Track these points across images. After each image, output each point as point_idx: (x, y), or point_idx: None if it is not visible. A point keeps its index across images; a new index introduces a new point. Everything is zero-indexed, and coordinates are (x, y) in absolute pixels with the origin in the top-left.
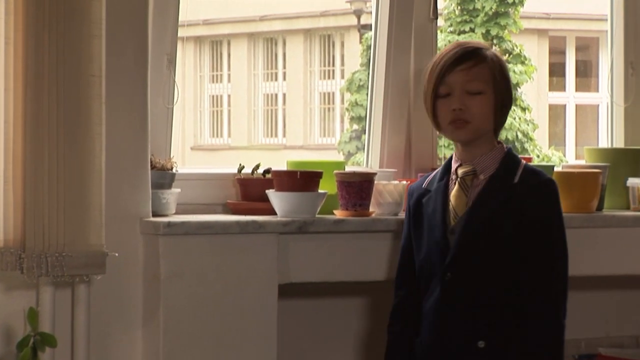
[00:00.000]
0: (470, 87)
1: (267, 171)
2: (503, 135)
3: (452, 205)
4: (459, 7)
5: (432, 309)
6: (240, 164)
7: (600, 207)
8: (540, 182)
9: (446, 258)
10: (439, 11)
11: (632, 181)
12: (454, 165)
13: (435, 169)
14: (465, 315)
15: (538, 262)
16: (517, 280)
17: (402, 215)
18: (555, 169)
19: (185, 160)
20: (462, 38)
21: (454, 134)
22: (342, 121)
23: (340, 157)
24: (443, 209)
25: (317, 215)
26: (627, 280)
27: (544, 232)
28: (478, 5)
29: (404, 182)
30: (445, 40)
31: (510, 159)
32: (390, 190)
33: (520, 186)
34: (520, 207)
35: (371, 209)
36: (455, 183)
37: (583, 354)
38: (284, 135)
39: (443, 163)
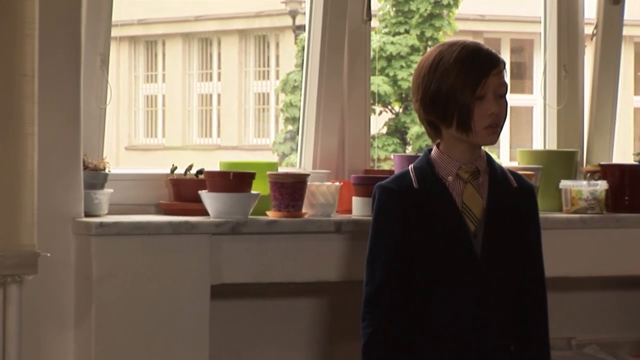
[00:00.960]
0: (500, 90)
1: (200, 172)
2: None
3: (467, 208)
4: (394, 9)
5: (462, 316)
6: (173, 165)
7: None
8: (529, 185)
9: (474, 262)
10: (373, 12)
11: (565, 183)
12: (449, 166)
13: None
14: (499, 320)
15: (534, 263)
16: (522, 282)
17: (335, 216)
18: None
19: (120, 160)
20: (397, 40)
21: (488, 138)
22: (276, 122)
23: (274, 158)
24: (458, 211)
25: (249, 216)
26: (559, 282)
27: (536, 233)
28: (413, 7)
29: (337, 183)
30: (380, 41)
31: (491, 161)
32: (323, 191)
33: (518, 190)
34: (521, 209)
35: (304, 210)
36: (462, 184)
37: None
38: (219, 136)
39: (417, 163)
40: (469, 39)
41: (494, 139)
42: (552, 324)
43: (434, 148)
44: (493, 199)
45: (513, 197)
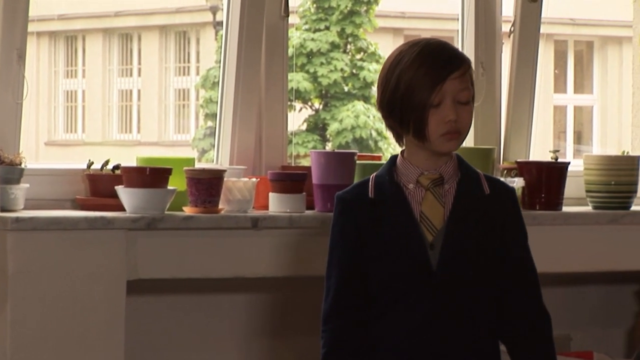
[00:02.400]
0: (461, 96)
1: (116, 167)
2: (357, 133)
3: (426, 217)
4: (314, 5)
5: (419, 333)
6: (89, 160)
7: None
8: (507, 190)
9: (430, 275)
10: (294, 9)
11: None
12: (410, 173)
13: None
14: (462, 336)
15: (518, 267)
16: (498, 289)
17: (252, 212)
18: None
19: (39, 155)
20: (317, 36)
21: (444, 145)
22: (197, 118)
23: (194, 154)
24: (414, 221)
25: (166, 212)
26: None
27: (519, 235)
28: (333, 4)
29: (254, 179)
30: (300, 38)
31: (464, 166)
32: (240, 187)
33: (492, 197)
34: (494, 216)
35: (221, 206)
36: (423, 192)
37: None
38: (139, 132)
39: (379, 171)
40: (435, 37)
41: (451, 146)
42: None
43: (399, 155)
44: (457, 207)
45: (484, 204)
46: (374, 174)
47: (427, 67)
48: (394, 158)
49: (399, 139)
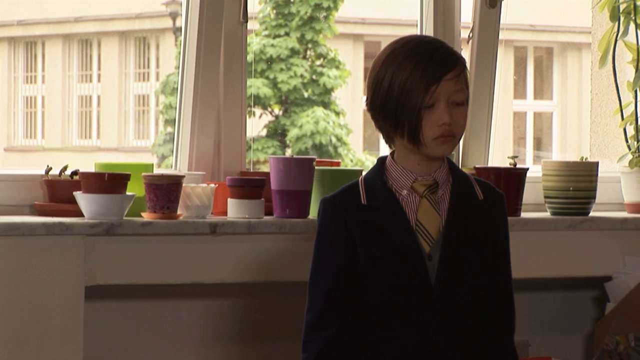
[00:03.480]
0: (456, 97)
1: (74, 173)
2: (317, 139)
3: (422, 226)
4: (274, 11)
5: (414, 348)
6: (47, 166)
7: None
8: (499, 195)
9: (428, 288)
10: (254, 15)
11: None
12: (403, 179)
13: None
14: (458, 351)
15: (502, 277)
16: (486, 297)
17: (210, 217)
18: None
19: None
20: (277, 42)
21: (438, 149)
22: (156, 124)
23: (154, 160)
24: (410, 230)
25: (124, 218)
26: None
27: (504, 244)
28: (293, 10)
29: (213, 185)
30: (260, 44)
31: (455, 170)
32: (199, 193)
33: (485, 203)
34: (488, 223)
35: (179, 212)
36: (417, 199)
37: None
38: (99, 137)
39: (368, 174)
40: (428, 33)
41: (445, 150)
42: None
43: (388, 157)
44: (453, 215)
45: (478, 211)
46: (362, 177)
47: (422, 67)
48: (382, 160)
49: (389, 141)
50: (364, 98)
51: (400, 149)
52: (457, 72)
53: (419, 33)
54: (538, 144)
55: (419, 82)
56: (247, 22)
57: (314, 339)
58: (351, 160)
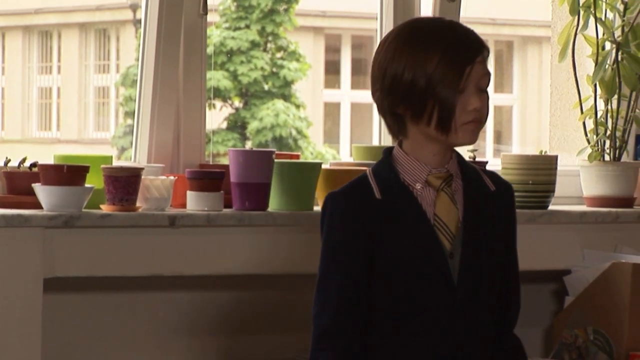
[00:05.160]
0: (483, 83)
1: (33, 165)
2: (277, 131)
3: (441, 221)
4: (234, 4)
5: (437, 354)
6: (6, 157)
7: None
8: (508, 185)
9: (451, 287)
10: (214, 7)
11: None
12: (417, 172)
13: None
14: (479, 343)
15: (514, 268)
16: (499, 291)
17: (169, 210)
18: (323, 166)
19: None
20: (238, 35)
21: (467, 137)
22: (116, 116)
23: (114, 152)
24: (430, 226)
25: (83, 210)
26: None
27: (514, 236)
28: (253, 2)
29: (172, 177)
30: (220, 36)
31: (462, 161)
32: (158, 185)
33: (497, 194)
34: (501, 215)
35: (138, 204)
36: (433, 192)
37: None
38: (58, 129)
39: (377, 168)
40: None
41: (473, 138)
42: None
43: (396, 148)
44: (470, 208)
45: (492, 203)
46: (370, 171)
47: (454, 48)
48: (389, 151)
49: (401, 131)
50: (372, 86)
51: (415, 138)
52: (485, 55)
53: (378, 26)
54: (498, 137)
55: (453, 64)
56: (207, 14)
57: (328, 347)
58: (311, 153)
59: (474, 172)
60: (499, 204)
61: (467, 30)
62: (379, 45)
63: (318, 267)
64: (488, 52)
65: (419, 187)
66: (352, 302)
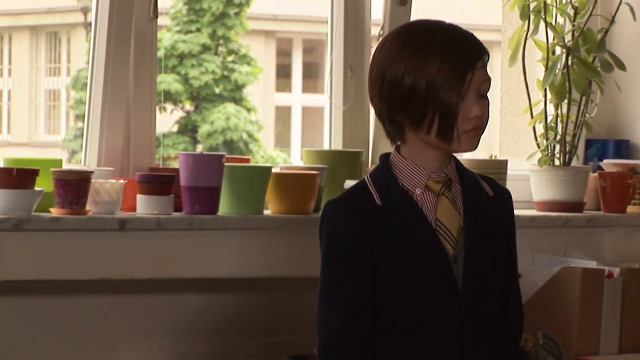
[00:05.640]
0: (483, 88)
1: None
2: (228, 135)
3: (443, 226)
4: (185, 7)
5: (442, 351)
6: None
7: (317, 209)
8: (505, 190)
9: (456, 292)
10: (166, 10)
11: (349, 183)
12: (417, 177)
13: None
14: (485, 349)
15: (514, 272)
16: (502, 297)
17: (119, 214)
18: (273, 170)
19: None
20: (189, 38)
21: (467, 144)
22: (67, 119)
23: (64, 155)
24: (432, 231)
25: (33, 213)
26: None
27: (514, 242)
28: (205, 5)
29: (121, 180)
30: (172, 39)
31: (460, 166)
32: (107, 188)
33: (496, 199)
34: (501, 221)
35: (88, 207)
36: (433, 197)
37: (297, 354)
38: (9, 132)
39: (375, 174)
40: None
41: (474, 145)
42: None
43: (393, 154)
44: (470, 212)
45: (491, 208)
46: (368, 177)
47: (456, 53)
48: (386, 157)
49: (399, 136)
50: (370, 90)
51: (414, 144)
52: (486, 60)
53: (329, 30)
54: None
55: (455, 70)
56: (157, 17)
57: (335, 356)
58: (262, 157)
59: (472, 177)
60: (498, 209)
61: (467, 34)
62: (377, 48)
63: (320, 275)
64: (488, 56)
65: (418, 192)
66: (357, 310)
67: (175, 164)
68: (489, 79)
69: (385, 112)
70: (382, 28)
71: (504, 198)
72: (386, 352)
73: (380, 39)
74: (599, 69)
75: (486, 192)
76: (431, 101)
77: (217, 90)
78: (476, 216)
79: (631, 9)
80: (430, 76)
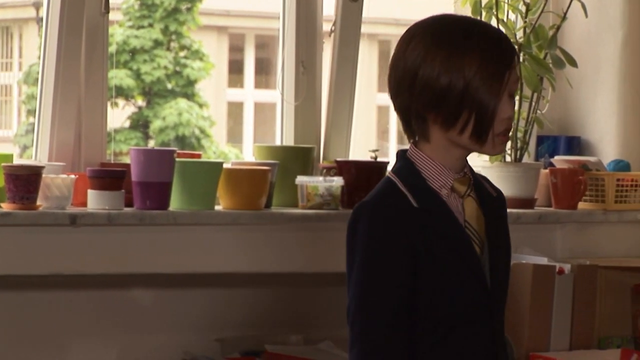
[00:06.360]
0: (514, 88)
1: None
2: (180, 130)
3: (472, 228)
4: (138, 2)
5: (481, 350)
6: None
7: (268, 204)
8: (499, 190)
9: (487, 292)
10: (118, 6)
11: (301, 179)
12: (444, 178)
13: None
14: (502, 346)
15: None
16: None
17: (70, 209)
18: (225, 166)
19: None
20: (141, 33)
21: (498, 147)
22: (19, 114)
23: (16, 150)
24: (464, 234)
25: None
26: (290, 278)
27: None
28: (157, 1)
29: (73, 176)
30: (124, 35)
31: (469, 166)
32: (58, 184)
33: (499, 200)
34: (505, 221)
35: (39, 202)
36: (458, 198)
37: (249, 350)
38: None
39: (401, 173)
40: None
41: (504, 148)
42: (286, 319)
43: (414, 152)
44: (490, 214)
45: (497, 208)
46: (395, 177)
47: (494, 53)
48: (406, 156)
49: (422, 136)
50: (394, 87)
51: (439, 142)
52: (517, 59)
53: (281, 26)
54: (401, 138)
55: (493, 71)
56: (108, 12)
57: None
58: (214, 152)
59: (478, 177)
60: (503, 210)
61: (499, 31)
62: (401, 45)
63: (353, 280)
64: (518, 55)
65: (444, 192)
66: (399, 317)
67: (127, 160)
68: (518, 79)
69: (414, 110)
70: (334, 24)
71: (502, 197)
72: (427, 354)
73: (405, 33)
74: (550, 65)
75: (490, 192)
76: (468, 102)
77: (169, 86)
78: (492, 217)
79: (583, 5)
80: (468, 77)
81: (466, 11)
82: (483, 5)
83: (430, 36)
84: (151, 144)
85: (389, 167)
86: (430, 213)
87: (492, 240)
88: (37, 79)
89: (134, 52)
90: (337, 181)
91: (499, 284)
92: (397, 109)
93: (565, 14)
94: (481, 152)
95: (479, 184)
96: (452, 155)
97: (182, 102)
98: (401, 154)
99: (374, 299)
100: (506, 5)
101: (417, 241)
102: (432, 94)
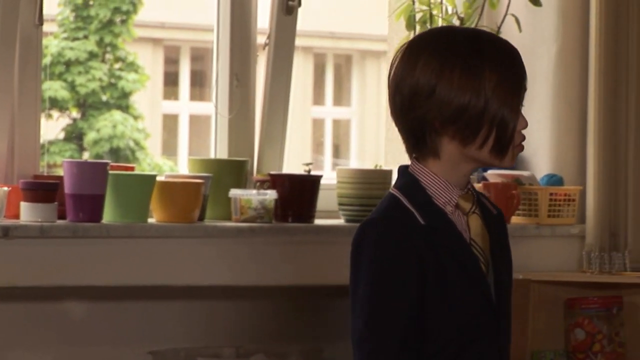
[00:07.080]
0: (523, 101)
1: None
2: (115, 143)
3: (478, 246)
4: (73, 14)
5: None
6: None
7: (202, 217)
8: (499, 209)
9: (494, 309)
10: (52, 17)
11: (234, 192)
12: (449, 194)
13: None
14: None
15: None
16: None
17: (3, 221)
18: (158, 179)
19: None
20: (76, 45)
21: (513, 159)
22: None
23: None
24: (470, 251)
25: None
26: (225, 291)
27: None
28: (92, 13)
29: (5, 188)
30: (59, 46)
31: (471, 183)
32: None
33: (499, 217)
34: (506, 238)
35: None
36: (463, 215)
37: None
38: None
39: (405, 189)
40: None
41: (515, 160)
42: (219, 332)
43: (417, 167)
44: (493, 232)
45: (498, 225)
46: (399, 194)
47: (511, 71)
48: (407, 171)
49: (431, 152)
50: (409, 103)
51: (451, 158)
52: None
53: (215, 38)
54: (336, 151)
55: (512, 87)
56: (42, 24)
57: None
58: (149, 165)
59: (475, 192)
60: (503, 227)
61: (506, 42)
62: (407, 62)
63: (360, 298)
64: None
65: (449, 209)
66: (409, 337)
67: (61, 172)
68: (526, 89)
69: (429, 127)
70: (268, 37)
71: (502, 217)
72: None
73: (408, 49)
74: None
75: (490, 210)
76: (488, 118)
77: (104, 98)
78: (495, 235)
79: (517, 20)
80: (487, 94)
81: (400, 25)
82: (417, 19)
83: (443, 51)
84: (86, 156)
85: (322, 181)
86: (437, 230)
87: (496, 258)
88: None
89: (68, 63)
90: (271, 194)
91: (504, 303)
92: (405, 126)
93: (499, 28)
94: (500, 165)
95: (479, 201)
96: (460, 170)
97: (117, 114)
98: (403, 170)
99: (385, 317)
100: (440, 20)
101: (428, 260)
102: (451, 111)
